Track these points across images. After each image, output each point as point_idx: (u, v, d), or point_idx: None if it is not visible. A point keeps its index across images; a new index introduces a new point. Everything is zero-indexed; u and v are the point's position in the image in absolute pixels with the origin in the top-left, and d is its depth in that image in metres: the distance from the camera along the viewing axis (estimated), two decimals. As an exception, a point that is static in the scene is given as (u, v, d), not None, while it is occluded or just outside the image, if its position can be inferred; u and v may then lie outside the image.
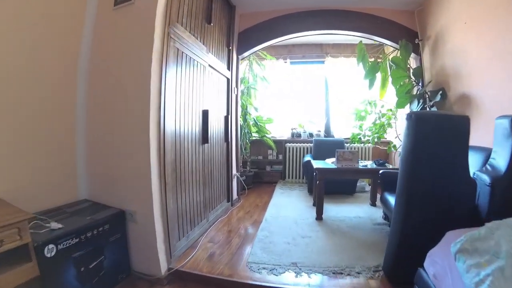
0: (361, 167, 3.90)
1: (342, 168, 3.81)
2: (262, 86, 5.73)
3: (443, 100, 3.82)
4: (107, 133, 2.65)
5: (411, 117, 2.09)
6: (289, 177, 6.22)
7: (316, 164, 4.13)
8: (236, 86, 4.69)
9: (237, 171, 4.80)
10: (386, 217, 3.90)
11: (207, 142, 3.42)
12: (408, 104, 4.44)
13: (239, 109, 4.91)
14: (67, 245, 2.03)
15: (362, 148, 6.13)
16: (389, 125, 5.39)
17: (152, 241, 2.51)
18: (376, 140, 5.49)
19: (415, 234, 2.15)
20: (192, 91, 3.10)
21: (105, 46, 2.70)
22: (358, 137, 5.71)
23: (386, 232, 3.45)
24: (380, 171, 3.54)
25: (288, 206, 4.50)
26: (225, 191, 4.35)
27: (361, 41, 5.03)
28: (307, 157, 5.43)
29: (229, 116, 4.33)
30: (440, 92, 3.83)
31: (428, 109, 4.10)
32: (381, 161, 4.15)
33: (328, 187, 3.79)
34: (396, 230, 2.27)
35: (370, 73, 5.13)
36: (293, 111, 6.41)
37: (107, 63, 2.67)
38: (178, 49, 2.79)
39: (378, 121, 5.43)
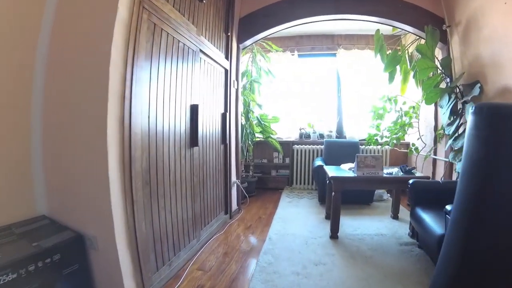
0: (385, 175, 3.23)
1: (364, 177, 3.14)
2: (267, 80, 5.07)
3: (480, 94, 3.17)
4: (64, 133, 2.01)
5: (481, 110, 1.42)
6: (297, 183, 5.56)
7: (331, 171, 3.47)
8: (237, 79, 4.05)
9: (237, 178, 4.16)
10: (413, 234, 3.23)
11: (197, 145, 2.77)
12: (438, 100, 3.77)
13: (240, 106, 4.26)
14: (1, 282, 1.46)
15: (378, 150, 5.44)
16: (410, 124, 4.73)
17: (116, 275, 1.88)
18: (395, 142, 4.82)
19: (486, 264, 1.48)
20: (176, 80, 2.46)
21: (68, 20, 2.05)
22: (375, 138, 5.04)
23: (417, 256, 2.78)
24: (410, 181, 2.87)
25: (296, 220, 3.84)
26: (222, 202, 3.70)
27: (378, 29, 4.38)
28: (318, 161, 4.76)
29: (228, 114, 3.68)
30: (479, 85, 3.17)
31: (461, 105, 3.42)
32: (408, 168, 3.48)
33: (342, 196, 3.14)
34: (453, 257, 1.60)
35: (390, 65, 4.48)
36: (301, 109, 5.74)
37: (68, 43, 2.02)
38: (155, 24, 2.15)
39: (399, 120, 4.75)
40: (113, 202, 1.83)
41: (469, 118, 1.52)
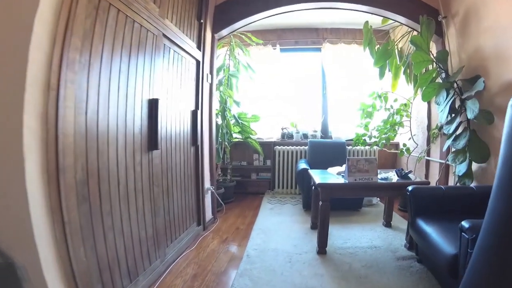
0: (380, 180, 2.84)
1: (356, 183, 2.73)
2: (246, 76, 4.63)
3: (482, 90, 2.84)
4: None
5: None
6: (279, 187, 5.14)
7: (317, 176, 3.06)
8: (211, 72, 3.60)
9: (212, 184, 3.69)
10: (411, 246, 2.85)
11: (157, 148, 2.29)
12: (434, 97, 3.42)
13: (215, 102, 3.80)
14: None
15: (366, 151, 5.09)
16: (401, 124, 4.39)
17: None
18: (384, 142, 4.47)
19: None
20: (129, 68, 1.99)
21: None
22: (363, 138, 4.68)
23: (418, 273, 2.40)
24: (409, 188, 2.48)
25: (279, 231, 3.41)
26: (194, 212, 3.23)
27: (367, 21, 4.05)
28: (302, 164, 4.35)
29: (199, 111, 3.22)
30: (483, 79, 2.83)
31: (459, 102, 3.09)
32: (404, 172, 3.10)
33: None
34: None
35: (381, 59, 4.16)
36: (283, 107, 5.32)
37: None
38: (97, -5, 1.68)
39: (390, 119, 4.40)
40: (35, 224, 1.35)
41: (509, 112, 1.12)
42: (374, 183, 2.75)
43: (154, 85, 2.28)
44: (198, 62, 3.23)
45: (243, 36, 4.55)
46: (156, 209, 2.36)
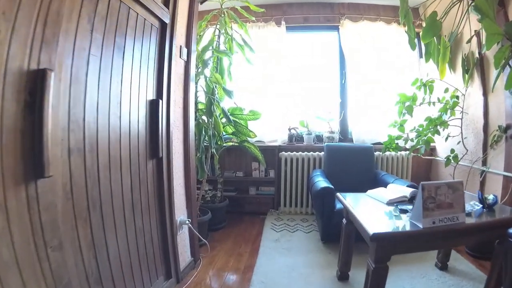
0: (468, 219, 1.65)
1: (436, 229, 1.53)
2: (241, 58, 3.44)
3: None
4: None
5: None
6: (285, 205, 3.96)
7: (360, 212, 1.90)
8: (188, 46, 2.41)
9: (190, 212, 2.51)
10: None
11: (44, 175, 1.10)
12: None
13: (193, 92, 2.60)
14: None
15: (396, 158, 3.92)
16: (445, 123, 3.24)
17: None
18: (423, 146, 3.35)
19: None
20: None
21: None
22: (396, 142, 3.52)
23: None
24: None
25: (289, 286, 2.24)
26: (159, 260, 2.05)
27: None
28: (318, 178, 3.18)
29: (164, 103, 2.03)
30: None
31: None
32: (490, 200, 1.93)
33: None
34: None
35: (429, 33, 3.05)
36: (291, 101, 4.13)
37: None
38: None
39: (444, 115, 3.25)
40: None
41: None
42: (461, 226, 1.56)
43: (45, 46, 1.10)
44: (162, 24, 2.04)
45: (237, 8, 3.37)
46: (58, 279, 1.17)
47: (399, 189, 2.38)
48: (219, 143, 3.19)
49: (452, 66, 3.45)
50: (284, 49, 4.06)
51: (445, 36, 3.27)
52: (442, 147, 3.76)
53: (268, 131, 3.94)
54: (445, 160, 3.27)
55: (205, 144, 2.99)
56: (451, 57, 3.33)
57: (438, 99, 3.29)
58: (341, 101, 4.07)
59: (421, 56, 4.01)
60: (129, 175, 1.70)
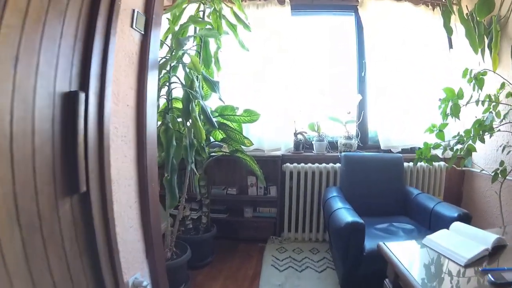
0: None
1: None
2: (233, 41, 2.61)
3: None
4: None
5: None
6: (290, 230, 3.13)
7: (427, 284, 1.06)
8: (148, 12, 1.56)
9: (153, 267, 1.66)
10: None
11: None
12: None
13: (154, 82, 1.76)
14: None
15: (428, 170, 3.10)
16: (491, 129, 2.44)
17: None
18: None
19: None
20: None
21: None
22: (433, 152, 2.73)
23: None
24: None
25: None
26: None
27: None
28: (335, 200, 2.38)
29: (89, 99, 1.18)
30: None
31: None
32: None
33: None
34: None
35: (484, 9, 2.27)
36: (297, 99, 3.28)
37: None
38: None
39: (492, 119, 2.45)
40: None
41: None
42: None
43: None
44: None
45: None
46: None
47: (470, 233, 1.56)
48: (202, 155, 2.35)
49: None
50: (288, 34, 3.20)
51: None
52: (479, 156, 2.96)
53: (268, 136, 3.09)
54: (492, 174, 2.45)
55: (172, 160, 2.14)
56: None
57: (490, 97, 2.47)
58: (361, 97, 3.21)
59: (451, 46, 3.21)
60: (17, 234, 0.87)
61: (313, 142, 3.17)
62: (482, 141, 2.48)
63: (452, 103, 2.43)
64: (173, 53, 2.10)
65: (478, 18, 2.31)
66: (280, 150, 3.09)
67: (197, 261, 2.55)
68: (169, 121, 1.98)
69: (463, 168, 3.08)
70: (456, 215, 2.15)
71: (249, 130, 3.06)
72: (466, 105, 2.52)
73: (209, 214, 2.78)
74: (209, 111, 1.99)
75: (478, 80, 2.47)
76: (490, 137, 2.55)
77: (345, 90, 3.39)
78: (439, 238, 1.54)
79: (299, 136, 3.20)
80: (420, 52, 3.14)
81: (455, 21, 3.00)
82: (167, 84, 2.21)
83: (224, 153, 2.75)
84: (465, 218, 2.15)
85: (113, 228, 1.35)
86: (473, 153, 2.64)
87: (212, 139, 2.81)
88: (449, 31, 2.97)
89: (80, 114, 1.16)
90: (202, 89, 2.17)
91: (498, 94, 2.43)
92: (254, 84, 3.12)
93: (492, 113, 2.41)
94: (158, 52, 1.67)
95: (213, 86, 2.06)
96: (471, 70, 2.50)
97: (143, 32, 1.54)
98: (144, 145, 1.50)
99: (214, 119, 2.64)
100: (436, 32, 3.13)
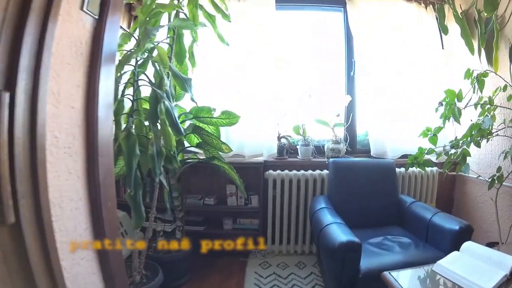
0: None
1: None
2: (210, 34, 2.34)
3: None
4: None
5: None
6: (274, 242, 2.87)
7: None
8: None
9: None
10: None
11: None
12: None
13: (109, 79, 1.48)
14: None
15: (420, 176, 2.92)
16: (489, 132, 2.30)
17: None
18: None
19: None
20: None
21: None
22: (426, 156, 2.57)
23: None
24: None
25: None
26: None
27: None
28: (323, 212, 2.16)
29: (16, 99, 0.88)
30: None
31: None
32: None
33: None
34: None
35: (489, 3, 2.09)
36: (280, 100, 3.02)
37: None
38: None
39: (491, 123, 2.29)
40: None
41: None
42: None
43: None
44: None
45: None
46: None
47: (484, 255, 1.36)
48: (173, 164, 2.04)
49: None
50: (272, 29, 2.93)
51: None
52: (471, 161, 2.81)
53: (249, 140, 2.81)
54: (489, 181, 2.32)
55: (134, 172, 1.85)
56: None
57: (491, 99, 2.30)
58: (350, 99, 2.98)
59: (442, 47, 3.06)
60: None
61: (298, 147, 2.92)
62: (478, 145, 2.35)
63: (455, 106, 2.24)
64: (140, 45, 1.80)
65: (486, 14, 2.13)
66: (262, 156, 2.83)
67: (171, 282, 2.26)
68: (132, 125, 1.68)
69: (456, 173, 2.93)
70: (457, 228, 1.98)
71: (229, 134, 2.78)
72: (465, 108, 2.35)
73: (183, 228, 2.48)
74: (176, 114, 1.67)
75: (479, 81, 2.32)
76: (487, 141, 2.40)
77: (333, 90, 3.17)
78: (451, 263, 1.33)
79: (283, 140, 2.95)
80: (412, 51, 2.97)
81: (447, 20, 2.86)
82: (133, 82, 1.91)
83: (200, 160, 2.46)
84: (467, 231, 2.01)
85: (56, 263, 1.05)
86: (467, 158, 2.50)
87: (187, 144, 2.53)
88: (444, 29, 2.82)
89: (2, 121, 0.86)
90: (173, 88, 1.87)
91: (494, 97, 2.28)
92: (233, 83, 2.83)
93: (488, 116, 2.27)
94: (116, 42, 1.37)
95: (184, 83, 1.76)
96: (473, 70, 2.33)
97: (97, 17, 1.24)
98: (96, 157, 1.20)
99: (188, 122, 2.38)
100: (429, 31, 2.97)
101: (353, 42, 3.00)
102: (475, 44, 2.57)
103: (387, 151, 2.92)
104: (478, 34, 2.48)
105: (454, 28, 2.75)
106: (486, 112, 2.28)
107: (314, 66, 3.21)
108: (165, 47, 2.12)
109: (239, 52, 2.82)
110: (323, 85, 3.17)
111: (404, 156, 2.91)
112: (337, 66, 3.17)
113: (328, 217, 2.05)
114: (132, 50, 1.85)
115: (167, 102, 1.62)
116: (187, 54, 2.20)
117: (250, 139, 2.80)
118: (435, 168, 2.94)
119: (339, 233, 1.77)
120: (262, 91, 2.82)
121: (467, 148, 2.35)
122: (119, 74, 1.72)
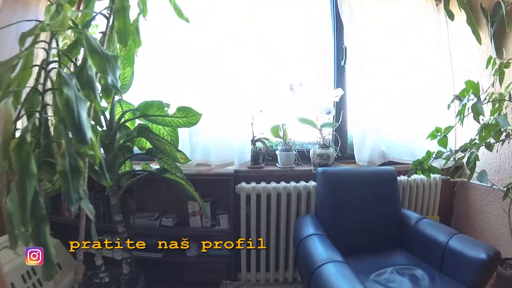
0: None
1: None
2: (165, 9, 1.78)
3: None
4: None
5: None
6: (249, 269, 2.31)
7: None
8: None
9: None
10: None
11: None
12: None
13: None
14: None
15: (423, 184, 2.47)
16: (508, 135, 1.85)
17: None
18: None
19: None
20: None
21: None
22: (431, 161, 2.12)
23: None
24: None
25: None
26: None
27: None
28: (313, 241, 1.64)
29: None
30: None
31: None
32: None
33: None
34: None
35: None
36: (256, 94, 2.44)
37: None
38: None
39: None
40: None
41: None
42: None
43: None
44: None
45: None
46: None
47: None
48: (102, 182, 1.44)
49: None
50: (246, 9, 2.38)
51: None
52: (477, 165, 2.40)
53: (216, 145, 2.24)
54: (504, 189, 1.94)
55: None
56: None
57: (502, 95, 1.90)
58: (340, 94, 2.44)
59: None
60: None
61: (277, 153, 2.37)
62: (490, 149, 1.91)
63: (478, 101, 1.76)
64: (54, 10, 1.20)
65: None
66: (233, 165, 2.26)
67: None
68: (29, 128, 1.09)
69: (467, 182, 2.50)
70: (484, 257, 1.54)
71: (192, 137, 2.21)
72: (486, 103, 1.90)
73: (132, 260, 1.89)
74: (84, 112, 1.04)
75: (500, 73, 1.88)
76: (502, 144, 2.01)
77: (319, 83, 2.62)
78: None
79: (259, 144, 2.39)
80: (411, 42, 2.51)
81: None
82: (45, 65, 1.30)
83: (150, 172, 1.87)
84: (496, 260, 1.58)
85: None
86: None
87: (137, 150, 1.95)
88: (450, 15, 2.40)
89: None
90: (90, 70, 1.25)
91: (506, 92, 1.88)
92: (195, 70, 2.24)
93: (501, 115, 1.88)
94: None
95: (104, 63, 1.17)
96: (494, 59, 1.89)
97: None
98: None
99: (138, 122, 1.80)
100: (430, 23, 2.52)
101: (343, 24, 2.47)
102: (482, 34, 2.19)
103: (376, 157, 2.43)
104: (487, 21, 2.08)
105: (456, 23, 2.41)
106: (499, 110, 1.87)
107: (297, 52, 2.65)
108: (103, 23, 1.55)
109: (208, 31, 2.25)
110: (309, 75, 2.60)
111: (392, 162, 2.46)
112: (326, 54, 2.63)
113: (320, 250, 1.53)
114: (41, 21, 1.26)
115: (67, 91, 1.02)
116: (132, 30, 1.62)
117: (217, 143, 2.22)
118: (438, 175, 2.49)
119: (342, 282, 1.23)
120: (230, 82, 2.25)
121: (476, 152, 1.95)
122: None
